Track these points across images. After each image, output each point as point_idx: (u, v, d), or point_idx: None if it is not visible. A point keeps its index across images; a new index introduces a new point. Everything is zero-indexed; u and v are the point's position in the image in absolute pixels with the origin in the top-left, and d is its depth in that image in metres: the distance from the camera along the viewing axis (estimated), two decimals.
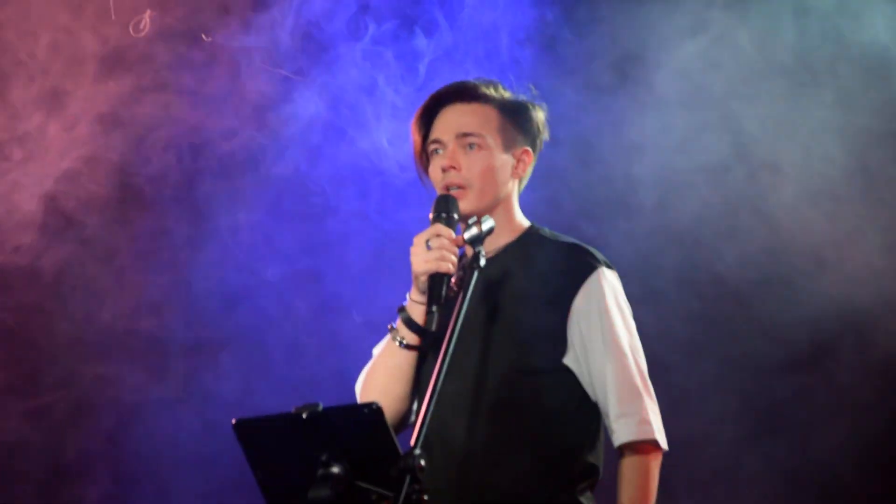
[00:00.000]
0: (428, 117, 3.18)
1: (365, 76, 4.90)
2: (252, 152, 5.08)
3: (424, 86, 4.76)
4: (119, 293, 5.08)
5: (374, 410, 2.49)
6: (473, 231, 2.95)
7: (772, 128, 4.69)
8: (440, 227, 2.98)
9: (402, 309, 3.08)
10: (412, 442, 2.56)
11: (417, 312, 3.04)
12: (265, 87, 5.03)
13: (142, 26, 4.97)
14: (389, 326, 3.10)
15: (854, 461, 4.53)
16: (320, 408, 2.52)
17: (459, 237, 3.00)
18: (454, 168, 3.09)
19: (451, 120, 3.14)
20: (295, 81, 5.03)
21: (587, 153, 4.78)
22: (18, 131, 4.92)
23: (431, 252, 2.95)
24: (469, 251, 2.94)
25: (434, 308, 2.94)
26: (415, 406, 3.16)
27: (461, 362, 3.01)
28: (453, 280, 2.99)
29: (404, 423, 3.15)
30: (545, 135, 3.24)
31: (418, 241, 2.99)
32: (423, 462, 2.44)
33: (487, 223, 2.97)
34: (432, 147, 3.15)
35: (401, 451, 2.49)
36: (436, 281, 2.95)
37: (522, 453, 3.01)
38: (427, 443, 2.93)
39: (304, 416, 2.51)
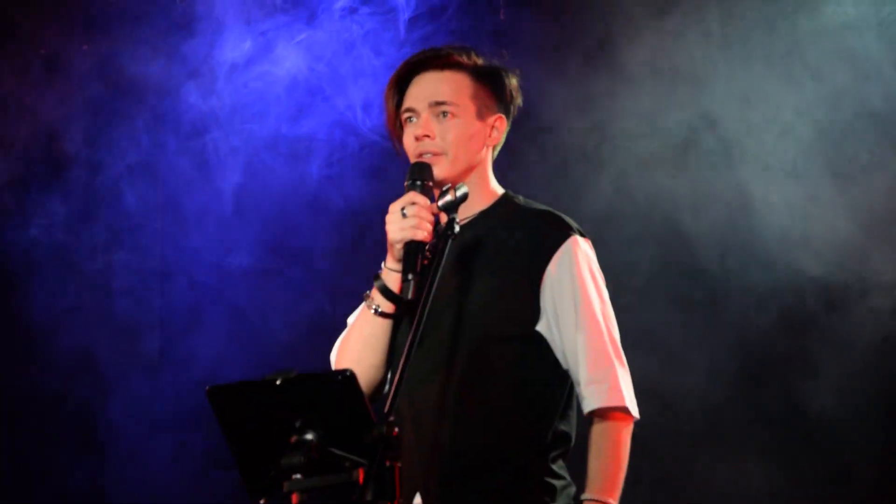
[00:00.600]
0: (401, 85, 3.17)
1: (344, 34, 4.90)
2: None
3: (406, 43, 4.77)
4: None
5: (347, 377, 2.49)
6: (448, 198, 2.95)
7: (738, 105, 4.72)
8: (415, 195, 2.97)
9: (377, 277, 3.07)
10: (386, 409, 2.56)
11: (392, 280, 3.04)
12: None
13: None
14: (364, 294, 3.10)
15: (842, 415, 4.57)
16: (294, 374, 2.51)
17: (434, 205, 2.99)
18: (428, 136, 3.08)
19: (424, 88, 3.13)
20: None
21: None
22: None
23: (407, 220, 2.94)
24: (443, 218, 2.94)
25: (410, 276, 2.92)
26: (389, 375, 3.16)
27: (433, 329, 3.01)
28: (427, 248, 2.99)
29: (378, 391, 3.15)
30: (518, 101, 3.22)
31: (394, 208, 2.98)
32: (396, 429, 2.44)
33: (461, 190, 2.96)
34: (405, 115, 3.14)
35: (374, 418, 2.49)
36: (411, 249, 2.94)
37: (494, 421, 3.02)
38: (399, 412, 2.95)
39: (277, 382, 2.51)
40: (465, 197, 2.97)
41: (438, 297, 2.93)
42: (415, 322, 2.71)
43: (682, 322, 4.71)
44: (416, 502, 3.00)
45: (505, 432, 3.02)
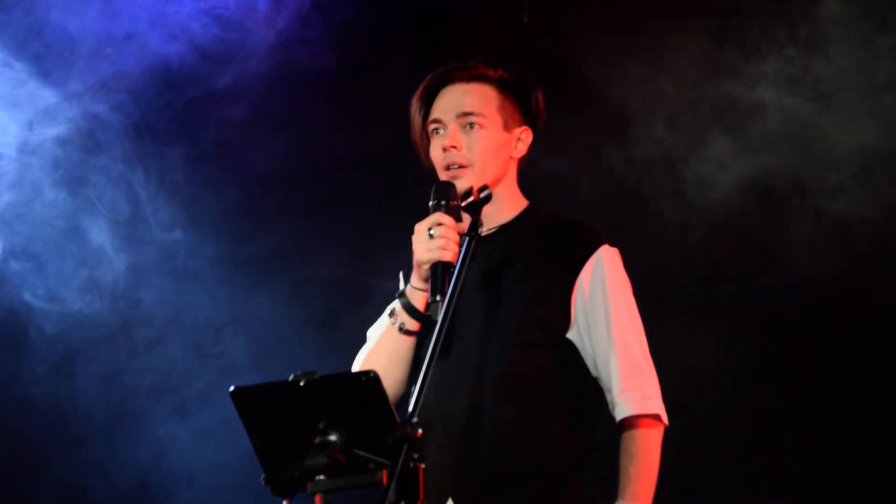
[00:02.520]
0: (428, 97, 3.19)
1: None
2: None
3: None
4: None
5: (371, 378, 2.49)
6: (471, 199, 2.98)
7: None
8: (441, 216, 2.98)
9: (402, 295, 3.08)
10: (410, 411, 2.56)
11: (418, 299, 3.05)
12: None
13: None
14: (388, 311, 3.11)
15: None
16: (318, 375, 2.52)
17: (462, 224, 3.00)
18: (455, 147, 3.10)
19: (452, 99, 3.15)
20: None
21: None
22: None
23: (434, 241, 2.94)
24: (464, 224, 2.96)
25: (437, 297, 2.92)
26: (413, 388, 3.16)
27: (463, 338, 3.04)
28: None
29: (401, 406, 3.15)
30: (544, 113, 3.25)
31: (420, 228, 2.98)
32: (420, 430, 2.44)
33: (485, 192, 3.00)
34: (432, 127, 3.17)
35: (398, 419, 2.50)
36: (438, 269, 2.94)
37: (528, 428, 3.03)
38: (429, 418, 2.98)
39: (301, 383, 2.51)
40: (488, 198, 2.99)
41: (467, 305, 2.98)
42: (438, 325, 2.72)
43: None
44: None
45: (540, 440, 3.03)
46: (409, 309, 3.06)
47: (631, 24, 4.77)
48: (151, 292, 5.04)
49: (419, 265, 3.00)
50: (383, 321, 3.17)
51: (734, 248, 4.66)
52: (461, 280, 2.81)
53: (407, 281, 3.12)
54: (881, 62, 4.55)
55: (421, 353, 3.11)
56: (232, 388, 2.58)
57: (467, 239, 2.89)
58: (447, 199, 3.01)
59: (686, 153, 4.67)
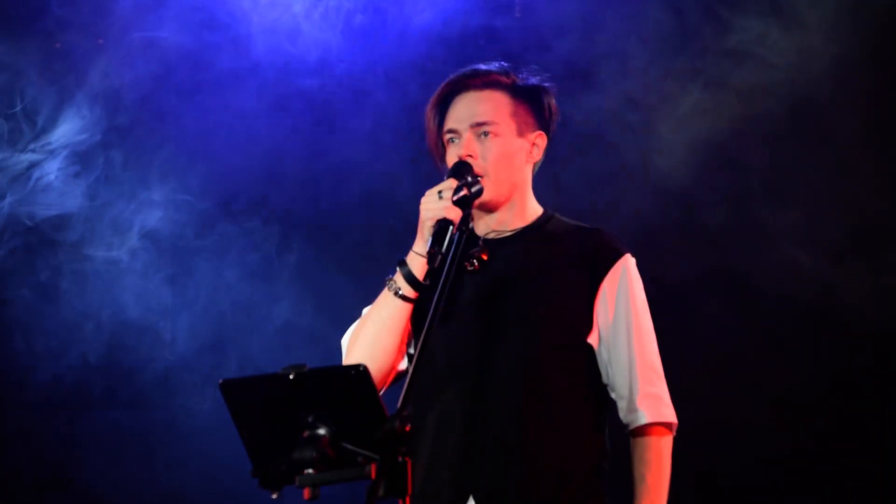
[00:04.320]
0: (441, 106, 3.22)
1: None
2: None
3: None
4: None
5: (360, 372, 2.49)
6: (462, 194, 2.98)
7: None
8: (454, 182, 3.02)
9: (402, 262, 3.09)
10: (399, 404, 2.56)
11: (417, 266, 3.06)
12: None
13: None
14: (386, 279, 3.11)
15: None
16: (307, 368, 2.52)
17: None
18: (470, 157, 3.12)
19: (465, 108, 3.18)
20: None
21: None
22: None
23: (442, 201, 2.97)
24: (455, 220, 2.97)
25: (436, 250, 2.93)
26: (402, 365, 3.17)
27: (485, 339, 3.06)
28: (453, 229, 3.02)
29: (388, 377, 3.16)
30: (557, 117, 3.27)
31: (430, 191, 3.02)
32: (408, 425, 2.44)
33: (476, 186, 3.00)
34: (448, 136, 3.19)
35: (387, 413, 2.49)
36: (443, 226, 2.95)
37: (552, 430, 3.04)
38: (449, 414, 3.03)
39: (290, 376, 2.51)
40: (479, 193, 3.00)
41: (491, 305, 3.04)
42: (427, 323, 2.73)
43: None
44: None
45: (565, 444, 3.04)
46: (408, 276, 3.06)
47: None
48: None
49: (423, 223, 3.01)
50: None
51: None
52: (452, 273, 2.83)
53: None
54: None
55: (437, 339, 3.10)
56: (221, 381, 2.57)
57: (458, 234, 2.90)
58: (462, 174, 3.05)
59: None
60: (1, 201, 4.96)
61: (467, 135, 3.15)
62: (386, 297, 3.10)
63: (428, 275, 3.00)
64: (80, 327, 5.06)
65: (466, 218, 2.93)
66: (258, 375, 2.59)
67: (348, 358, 3.14)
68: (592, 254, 3.13)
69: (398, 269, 3.09)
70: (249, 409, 2.58)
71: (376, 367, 3.06)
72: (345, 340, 3.21)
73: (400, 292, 3.07)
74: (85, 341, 5.06)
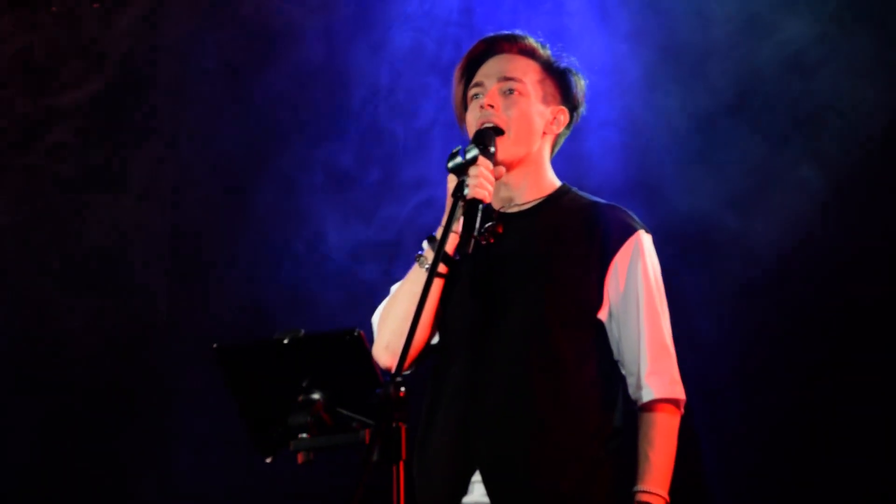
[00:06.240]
0: (473, 65, 3.20)
1: None
2: None
3: None
4: None
5: (354, 338, 2.49)
6: (457, 160, 2.97)
7: None
8: (480, 158, 2.99)
9: (431, 238, 3.08)
10: (390, 366, 2.56)
11: (448, 241, 3.02)
12: None
13: None
14: (417, 256, 3.10)
15: None
16: (302, 334, 2.52)
17: (499, 169, 3.04)
18: (492, 107, 3.11)
19: (495, 65, 3.17)
20: None
21: None
22: None
23: (470, 179, 2.95)
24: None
25: (470, 233, 2.92)
26: (435, 339, 3.15)
27: (497, 313, 3.04)
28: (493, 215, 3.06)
29: (426, 353, 3.14)
30: (583, 105, 3.25)
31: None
32: (403, 389, 2.44)
33: (472, 152, 2.98)
34: (473, 92, 3.18)
35: (381, 379, 2.49)
36: (472, 207, 2.94)
37: (563, 406, 3.01)
38: (457, 387, 3.01)
39: (285, 341, 2.51)
40: (474, 160, 2.98)
41: (504, 280, 3.03)
42: (423, 284, 2.74)
43: None
44: (475, 479, 3.00)
45: (575, 421, 3.01)
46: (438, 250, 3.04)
47: None
48: None
49: (450, 199, 2.98)
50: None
51: None
52: (447, 236, 2.84)
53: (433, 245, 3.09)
54: None
55: (448, 309, 3.10)
56: (216, 346, 2.58)
57: (454, 200, 2.89)
58: (485, 143, 3.03)
59: None
60: None
61: (493, 88, 3.13)
62: (417, 272, 3.09)
63: (458, 250, 2.97)
64: None
65: (462, 184, 2.91)
66: (253, 340, 2.60)
67: (380, 335, 3.12)
68: (606, 230, 3.11)
69: (427, 244, 3.08)
70: (244, 374, 2.58)
71: (413, 341, 3.05)
72: (375, 318, 3.18)
73: (430, 267, 3.06)
74: None
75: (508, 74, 3.14)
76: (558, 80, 3.20)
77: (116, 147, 5.22)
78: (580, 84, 3.23)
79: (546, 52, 3.21)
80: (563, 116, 3.20)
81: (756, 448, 4.39)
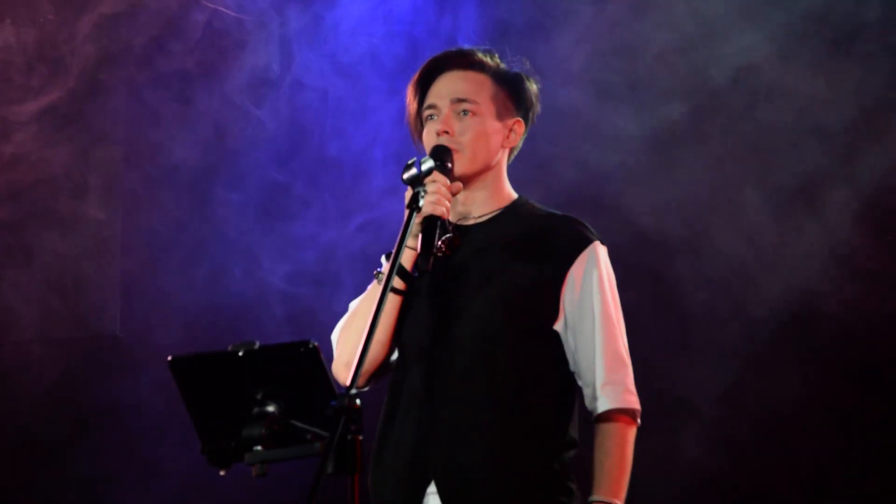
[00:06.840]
0: (424, 83, 3.21)
1: None
2: None
3: None
4: None
5: (310, 350, 2.48)
6: (412, 171, 2.97)
7: None
8: (436, 174, 3.00)
9: (389, 255, 3.08)
10: (348, 382, 2.56)
11: (406, 257, 3.04)
12: None
13: None
14: (375, 272, 3.10)
15: None
16: (256, 346, 2.51)
17: (456, 184, 3.04)
18: (447, 132, 3.11)
19: (447, 86, 3.17)
20: None
21: None
22: None
23: (427, 196, 2.96)
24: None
25: (429, 250, 2.93)
26: (394, 356, 3.15)
27: (450, 322, 3.05)
28: (449, 229, 3.07)
29: (383, 369, 3.14)
30: (537, 108, 3.26)
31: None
32: (357, 402, 2.44)
33: (427, 164, 2.99)
34: (427, 113, 3.18)
35: (336, 390, 2.49)
36: (430, 223, 2.95)
37: (515, 417, 3.02)
38: (413, 397, 3.01)
39: (239, 353, 2.50)
40: (429, 171, 2.99)
41: (458, 290, 3.03)
42: (379, 295, 2.74)
43: None
44: (430, 491, 3.00)
45: (527, 431, 3.02)
46: (398, 268, 3.03)
47: None
48: None
49: (407, 216, 2.98)
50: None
51: None
52: (401, 253, 2.85)
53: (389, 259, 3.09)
54: None
55: (405, 319, 3.10)
56: (170, 358, 2.56)
57: (409, 211, 2.89)
58: (442, 160, 3.04)
59: None
60: None
61: (446, 111, 3.14)
62: (376, 289, 3.09)
63: (417, 267, 2.98)
64: None
65: (417, 196, 2.93)
66: (207, 352, 2.58)
67: (339, 351, 3.12)
68: (562, 241, 3.13)
69: (385, 259, 3.09)
70: (198, 385, 2.56)
71: (371, 359, 3.05)
72: (335, 335, 3.19)
73: (384, 282, 3.05)
74: None
75: (461, 96, 3.14)
76: (510, 89, 3.20)
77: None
78: (533, 88, 3.24)
79: (495, 61, 3.21)
80: (519, 127, 3.21)
81: None
